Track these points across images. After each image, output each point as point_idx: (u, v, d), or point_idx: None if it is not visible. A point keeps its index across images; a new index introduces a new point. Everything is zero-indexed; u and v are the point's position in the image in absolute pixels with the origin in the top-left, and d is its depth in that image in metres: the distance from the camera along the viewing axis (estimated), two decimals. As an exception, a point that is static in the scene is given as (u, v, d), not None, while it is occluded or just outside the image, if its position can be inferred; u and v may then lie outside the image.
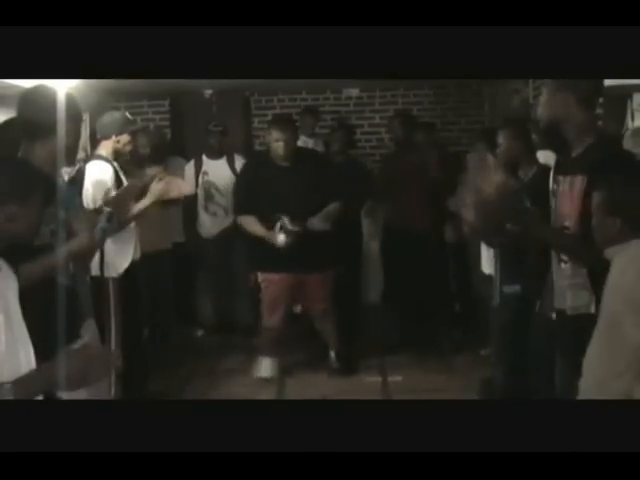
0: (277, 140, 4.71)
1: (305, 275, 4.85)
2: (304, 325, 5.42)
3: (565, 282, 2.68)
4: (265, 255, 4.84)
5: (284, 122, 4.93)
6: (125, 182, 4.24)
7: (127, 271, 4.16)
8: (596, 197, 2.33)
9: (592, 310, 2.53)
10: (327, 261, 4.93)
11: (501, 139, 3.84)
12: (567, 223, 2.66)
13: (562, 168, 2.76)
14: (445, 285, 5.85)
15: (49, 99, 2.58)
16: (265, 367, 5.05)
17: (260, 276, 5.00)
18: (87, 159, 4.35)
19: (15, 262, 2.08)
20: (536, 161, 3.76)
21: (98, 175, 4.07)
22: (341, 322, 5.18)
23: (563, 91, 2.59)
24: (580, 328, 2.55)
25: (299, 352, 5.35)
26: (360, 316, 5.95)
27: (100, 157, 4.21)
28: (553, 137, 2.84)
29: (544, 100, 2.68)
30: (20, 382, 1.83)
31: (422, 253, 5.47)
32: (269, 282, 4.94)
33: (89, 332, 2.85)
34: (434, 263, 5.59)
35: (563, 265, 2.70)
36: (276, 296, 4.93)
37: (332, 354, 5.15)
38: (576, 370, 2.28)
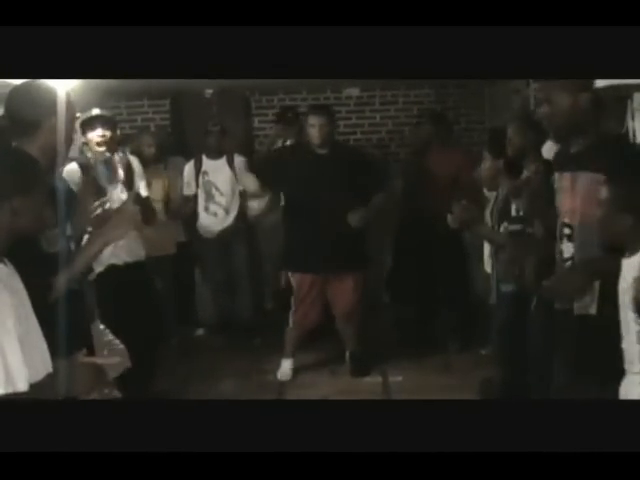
0: (312, 125, 4.69)
1: (336, 276, 4.83)
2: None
3: None
4: (296, 255, 4.85)
5: (320, 108, 4.98)
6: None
7: (129, 269, 4.16)
8: (606, 193, 2.27)
9: (593, 311, 2.54)
10: (358, 261, 4.89)
11: (508, 135, 3.82)
12: (567, 220, 2.67)
13: (561, 164, 2.76)
14: (447, 284, 5.82)
15: (35, 95, 2.53)
16: (287, 369, 5.05)
17: (292, 276, 4.97)
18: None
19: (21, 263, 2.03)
20: (541, 158, 3.76)
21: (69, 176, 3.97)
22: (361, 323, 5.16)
23: (567, 88, 2.58)
24: (583, 327, 2.57)
25: (304, 352, 5.31)
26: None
27: (72, 158, 4.05)
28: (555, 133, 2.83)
29: (546, 97, 2.66)
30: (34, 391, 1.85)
31: (441, 252, 5.41)
32: (301, 282, 4.89)
33: (99, 338, 2.85)
34: (451, 262, 5.54)
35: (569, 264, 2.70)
36: (310, 296, 4.89)
37: (347, 355, 5.12)
38: (576, 369, 2.27)
